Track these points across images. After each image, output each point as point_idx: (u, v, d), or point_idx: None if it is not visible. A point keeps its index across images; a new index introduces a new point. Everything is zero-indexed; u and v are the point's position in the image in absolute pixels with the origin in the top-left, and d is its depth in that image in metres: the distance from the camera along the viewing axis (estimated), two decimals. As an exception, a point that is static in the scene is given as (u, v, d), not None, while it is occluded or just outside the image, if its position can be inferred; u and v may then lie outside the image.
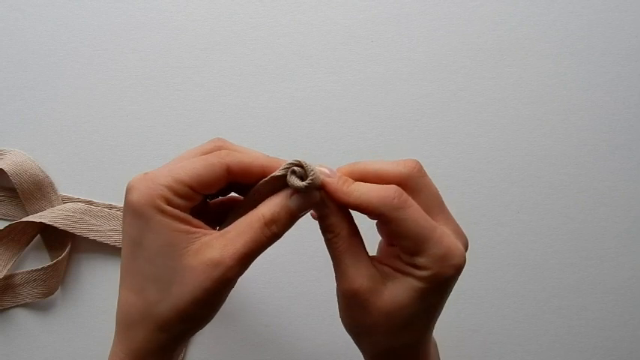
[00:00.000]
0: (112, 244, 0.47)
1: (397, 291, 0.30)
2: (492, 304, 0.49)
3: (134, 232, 0.29)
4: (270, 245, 0.30)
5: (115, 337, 0.31)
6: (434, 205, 0.31)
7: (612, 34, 0.50)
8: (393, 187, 0.30)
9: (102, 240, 0.47)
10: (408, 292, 0.30)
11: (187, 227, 0.29)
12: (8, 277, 0.47)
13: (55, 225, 0.45)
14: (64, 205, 0.47)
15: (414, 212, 0.29)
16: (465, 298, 0.49)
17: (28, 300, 0.47)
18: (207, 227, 0.31)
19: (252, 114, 0.49)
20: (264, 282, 0.48)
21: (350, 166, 0.32)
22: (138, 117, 0.48)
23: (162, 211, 0.28)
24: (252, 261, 0.30)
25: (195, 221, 0.30)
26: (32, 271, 0.47)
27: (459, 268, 0.30)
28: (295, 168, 0.30)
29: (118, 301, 0.31)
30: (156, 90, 0.48)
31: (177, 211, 0.29)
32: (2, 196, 0.48)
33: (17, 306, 0.48)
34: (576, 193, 0.50)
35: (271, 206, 0.30)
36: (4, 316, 0.48)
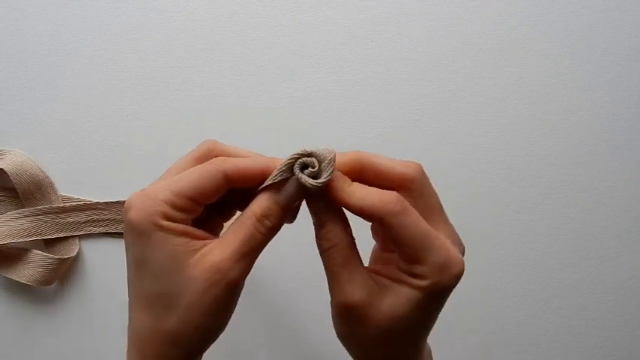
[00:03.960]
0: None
1: (395, 303, 0.29)
2: (492, 304, 0.49)
3: (137, 251, 0.29)
4: (268, 240, 0.30)
5: (127, 354, 0.31)
6: (434, 210, 0.30)
7: (612, 34, 0.50)
8: (394, 193, 0.29)
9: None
10: (406, 303, 0.29)
11: (188, 240, 0.29)
12: (20, 250, 0.47)
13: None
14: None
15: (415, 219, 0.28)
16: (465, 299, 0.49)
17: (22, 280, 0.46)
18: (210, 236, 0.30)
19: (252, 114, 0.49)
20: (265, 282, 0.48)
21: (353, 154, 0.31)
22: (138, 117, 0.48)
23: (162, 227, 0.28)
24: (254, 259, 0.30)
25: (197, 232, 0.30)
26: (43, 255, 0.47)
27: (458, 277, 0.29)
28: (305, 159, 0.29)
29: (129, 319, 0.31)
30: (156, 90, 0.48)
31: (176, 225, 0.29)
32: (2, 196, 0.48)
33: (17, 306, 0.48)
34: (576, 193, 0.50)
35: (261, 202, 0.30)
36: (3, 315, 0.48)
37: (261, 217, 0.30)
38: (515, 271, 0.49)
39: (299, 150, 0.29)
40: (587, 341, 0.50)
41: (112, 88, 0.48)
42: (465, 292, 0.49)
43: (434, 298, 0.29)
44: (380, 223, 0.29)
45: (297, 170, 0.29)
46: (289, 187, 0.30)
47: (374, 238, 0.34)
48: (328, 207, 0.30)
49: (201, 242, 0.29)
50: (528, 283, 0.49)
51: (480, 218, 0.49)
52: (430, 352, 0.35)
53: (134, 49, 0.48)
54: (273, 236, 0.30)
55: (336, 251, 0.30)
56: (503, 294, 0.49)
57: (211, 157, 0.31)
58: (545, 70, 0.50)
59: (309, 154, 0.29)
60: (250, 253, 0.29)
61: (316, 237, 0.31)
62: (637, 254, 0.50)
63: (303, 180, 0.29)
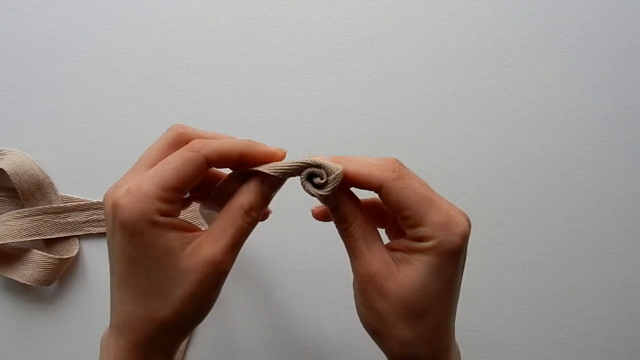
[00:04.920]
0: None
1: (409, 271, 0.30)
2: (492, 304, 0.49)
3: (128, 249, 0.29)
4: (251, 230, 0.31)
5: (112, 342, 0.31)
6: (428, 187, 0.31)
7: (612, 34, 0.50)
8: (391, 159, 0.30)
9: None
10: (419, 269, 0.30)
11: (180, 233, 0.30)
12: (20, 250, 0.47)
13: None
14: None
15: (413, 183, 0.30)
16: (464, 298, 0.49)
17: (22, 280, 0.46)
18: (196, 227, 0.31)
19: (252, 114, 0.49)
20: (264, 282, 0.48)
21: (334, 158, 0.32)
22: (138, 117, 0.48)
23: (156, 224, 0.29)
24: (240, 248, 0.31)
25: (186, 224, 0.31)
26: (43, 255, 0.46)
27: (464, 236, 0.29)
28: (314, 169, 0.30)
29: (115, 310, 0.31)
30: (156, 90, 0.48)
31: (169, 220, 0.29)
32: (2, 196, 0.48)
33: (17, 306, 0.48)
34: (576, 193, 0.50)
35: (247, 194, 0.31)
36: (3, 315, 0.48)
37: (249, 210, 0.31)
38: (515, 271, 0.49)
39: (308, 158, 0.30)
40: (587, 341, 0.50)
41: (112, 88, 0.48)
42: (465, 292, 0.49)
43: (444, 260, 0.29)
44: (379, 190, 0.30)
45: (303, 179, 0.30)
46: (271, 180, 0.31)
47: (387, 236, 0.35)
48: (340, 193, 0.31)
49: (191, 234, 0.30)
50: (528, 283, 0.49)
51: (480, 218, 0.49)
52: (459, 353, 0.35)
53: (134, 49, 0.48)
54: (254, 227, 0.32)
55: (354, 227, 0.31)
56: (503, 294, 0.49)
57: (184, 142, 0.32)
58: (545, 70, 0.50)
59: (319, 166, 0.30)
60: (239, 244, 0.31)
61: (335, 222, 0.32)
62: (637, 254, 0.50)
63: (306, 188, 0.30)
